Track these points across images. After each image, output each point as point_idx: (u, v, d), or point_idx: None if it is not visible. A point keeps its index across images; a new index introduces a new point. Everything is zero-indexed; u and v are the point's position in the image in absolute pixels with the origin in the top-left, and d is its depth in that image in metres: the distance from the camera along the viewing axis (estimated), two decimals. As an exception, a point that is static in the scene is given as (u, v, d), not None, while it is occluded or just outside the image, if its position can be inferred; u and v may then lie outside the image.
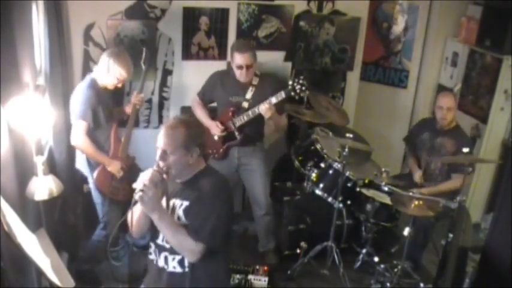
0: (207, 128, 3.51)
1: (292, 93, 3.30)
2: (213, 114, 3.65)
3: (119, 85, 3.22)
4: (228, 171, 3.51)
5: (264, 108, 3.31)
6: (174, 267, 2.23)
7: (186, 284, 2.22)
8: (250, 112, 3.41)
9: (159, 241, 2.25)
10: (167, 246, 2.21)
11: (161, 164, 2.10)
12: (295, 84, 3.28)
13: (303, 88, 3.28)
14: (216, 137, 3.55)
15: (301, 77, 3.30)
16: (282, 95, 3.30)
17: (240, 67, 3.39)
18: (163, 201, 2.22)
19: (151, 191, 2.02)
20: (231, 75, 3.50)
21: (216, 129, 3.50)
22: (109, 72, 3.10)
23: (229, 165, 3.60)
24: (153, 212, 2.08)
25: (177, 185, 2.24)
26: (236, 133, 3.51)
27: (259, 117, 3.44)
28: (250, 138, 3.57)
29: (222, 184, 2.28)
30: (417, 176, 3.74)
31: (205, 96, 3.65)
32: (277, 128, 3.52)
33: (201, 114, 3.61)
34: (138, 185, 2.04)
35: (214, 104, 3.72)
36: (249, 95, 3.48)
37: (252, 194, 3.70)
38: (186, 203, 2.18)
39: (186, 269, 2.22)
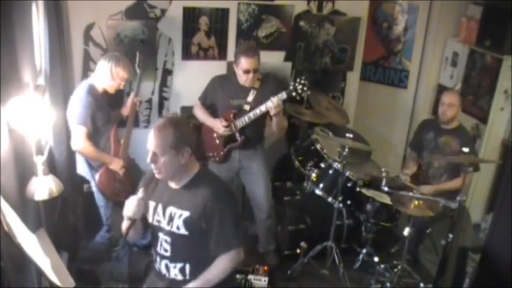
0: (208, 130, 3.51)
1: (294, 94, 3.28)
2: (214, 116, 3.56)
3: (121, 87, 3.23)
4: (228, 175, 3.49)
5: (271, 106, 3.22)
6: (176, 275, 2.23)
7: None
8: (251, 114, 3.36)
9: (158, 249, 2.24)
10: (166, 254, 2.21)
11: (153, 166, 2.09)
12: (296, 84, 3.26)
13: (304, 88, 3.26)
14: (217, 141, 3.50)
15: (303, 77, 3.27)
16: (283, 95, 3.26)
17: (247, 71, 3.32)
18: (160, 210, 2.21)
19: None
20: (232, 79, 3.45)
21: (219, 126, 3.42)
22: (111, 75, 3.11)
23: (230, 169, 3.57)
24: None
25: (172, 191, 2.20)
26: (237, 135, 3.46)
27: (260, 119, 3.42)
28: (251, 140, 3.52)
29: (223, 186, 2.27)
30: (408, 172, 3.75)
31: (206, 100, 3.57)
32: (278, 129, 3.48)
33: (203, 115, 3.55)
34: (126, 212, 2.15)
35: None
36: (250, 97, 3.43)
37: (253, 198, 3.66)
38: (186, 214, 2.14)
39: (187, 277, 2.22)
